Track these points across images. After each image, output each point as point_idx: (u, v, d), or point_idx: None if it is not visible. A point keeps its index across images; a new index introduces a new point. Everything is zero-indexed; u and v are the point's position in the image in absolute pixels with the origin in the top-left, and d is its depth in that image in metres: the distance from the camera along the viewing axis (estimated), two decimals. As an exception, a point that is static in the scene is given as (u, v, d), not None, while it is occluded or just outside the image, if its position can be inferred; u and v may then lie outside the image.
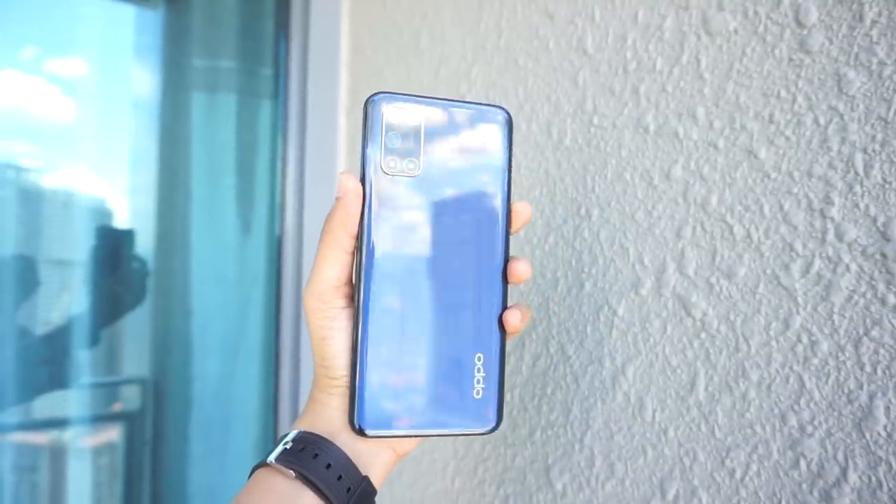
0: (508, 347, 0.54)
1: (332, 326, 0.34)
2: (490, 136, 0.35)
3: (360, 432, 0.33)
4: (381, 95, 0.34)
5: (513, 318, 0.35)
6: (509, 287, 0.36)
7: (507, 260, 0.35)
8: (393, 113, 0.34)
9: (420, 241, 0.34)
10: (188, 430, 0.92)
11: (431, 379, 0.34)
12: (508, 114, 0.36)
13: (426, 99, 0.35)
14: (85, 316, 0.88)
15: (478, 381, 0.35)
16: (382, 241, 0.34)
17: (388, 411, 0.34)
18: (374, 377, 0.34)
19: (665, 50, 0.45)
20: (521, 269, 0.35)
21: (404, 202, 0.34)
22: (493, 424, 0.35)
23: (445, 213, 0.35)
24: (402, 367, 0.34)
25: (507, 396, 0.55)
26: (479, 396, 0.35)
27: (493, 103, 0.36)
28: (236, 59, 0.95)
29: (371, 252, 0.34)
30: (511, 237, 0.36)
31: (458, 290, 0.35)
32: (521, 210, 0.36)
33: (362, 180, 0.34)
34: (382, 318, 0.34)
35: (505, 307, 0.36)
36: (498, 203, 0.35)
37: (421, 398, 0.34)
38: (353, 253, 0.35)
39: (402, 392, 0.34)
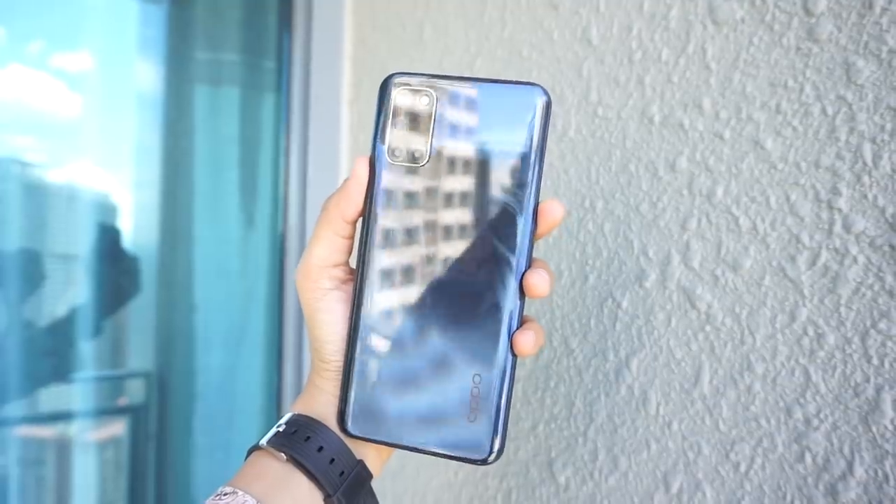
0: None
1: (319, 307, 0.34)
2: (519, 121, 0.30)
3: (345, 431, 0.33)
4: (397, 76, 0.31)
5: (524, 342, 0.31)
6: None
7: (528, 268, 0.31)
8: (404, 94, 0.31)
9: (424, 241, 0.31)
10: (192, 424, 0.92)
11: (422, 391, 0.32)
12: (547, 94, 0.31)
13: (443, 79, 0.31)
14: (89, 309, 0.88)
15: (473, 403, 0.31)
16: (383, 238, 0.32)
17: (375, 415, 0.32)
18: (364, 379, 0.32)
19: (671, 40, 0.45)
20: (535, 283, 0.31)
21: (410, 196, 0.31)
22: (484, 454, 0.31)
23: (455, 211, 0.31)
24: (394, 373, 0.32)
25: (511, 390, 0.55)
26: (473, 421, 0.31)
27: (527, 81, 0.31)
28: (239, 52, 0.95)
29: (370, 250, 0.32)
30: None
31: (464, 299, 0.31)
32: (550, 210, 0.31)
33: (371, 168, 0.32)
34: (378, 320, 0.32)
35: (519, 324, 0.31)
36: (522, 201, 0.31)
37: (409, 409, 0.32)
38: (349, 238, 0.34)
39: (391, 398, 0.32)
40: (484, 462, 0.31)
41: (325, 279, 0.34)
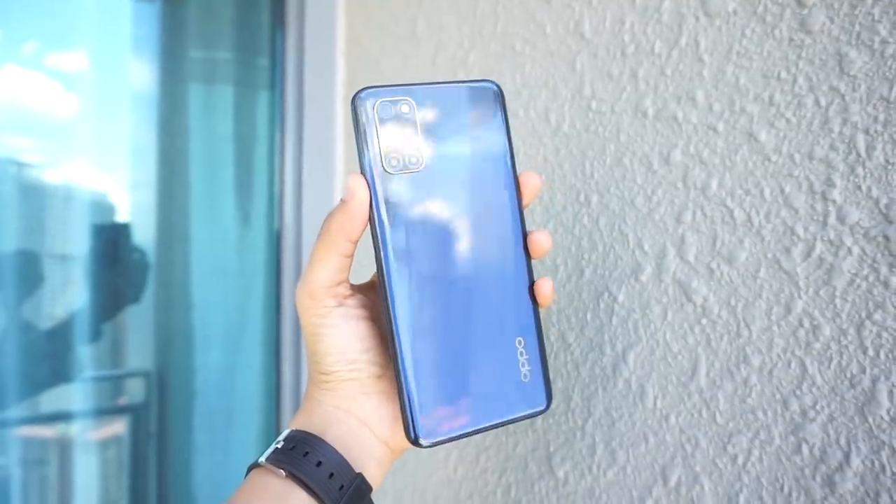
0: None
1: (322, 324, 0.34)
2: (485, 113, 0.35)
3: (417, 443, 0.33)
4: (367, 92, 0.33)
5: (545, 289, 0.34)
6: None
7: (525, 234, 0.35)
8: (383, 108, 0.33)
9: (438, 234, 0.33)
10: (192, 422, 0.93)
11: (477, 372, 0.33)
12: (498, 86, 0.35)
13: (413, 86, 0.33)
14: (87, 310, 0.88)
15: (523, 365, 0.34)
16: (400, 243, 0.33)
17: (440, 415, 0.33)
18: (419, 384, 0.33)
19: (663, 32, 0.44)
20: (540, 241, 0.34)
21: (414, 199, 0.33)
22: (545, 403, 0.35)
23: (458, 201, 0.34)
24: (445, 367, 0.33)
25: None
26: (528, 379, 0.34)
27: (480, 78, 0.36)
28: (233, 50, 0.95)
29: (390, 257, 0.33)
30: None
31: (485, 276, 0.34)
32: (529, 181, 0.35)
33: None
34: (415, 321, 0.33)
35: (532, 281, 0.35)
36: (506, 179, 0.35)
37: (470, 394, 0.33)
38: (350, 256, 0.34)
39: (450, 393, 0.33)
40: (545, 409, 0.35)
41: (329, 298, 0.34)
